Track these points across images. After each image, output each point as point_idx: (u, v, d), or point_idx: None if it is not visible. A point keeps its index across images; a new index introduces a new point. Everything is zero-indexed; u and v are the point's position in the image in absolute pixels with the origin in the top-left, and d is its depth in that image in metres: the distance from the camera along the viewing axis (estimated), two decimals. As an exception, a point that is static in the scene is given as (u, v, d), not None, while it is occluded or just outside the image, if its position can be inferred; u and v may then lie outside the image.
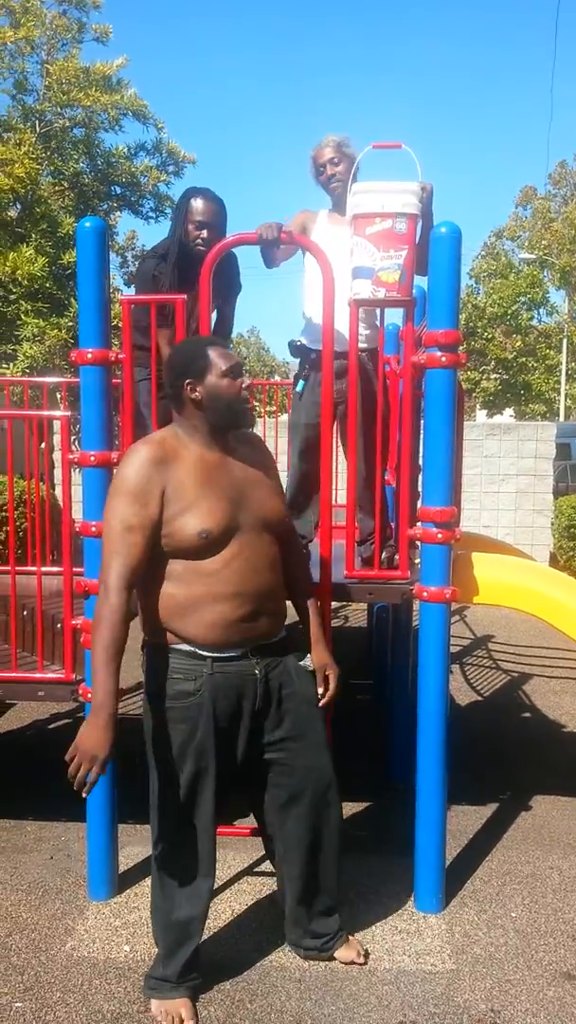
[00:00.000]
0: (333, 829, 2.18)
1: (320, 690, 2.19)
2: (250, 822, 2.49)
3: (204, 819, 2.03)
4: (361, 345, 2.74)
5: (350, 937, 2.31)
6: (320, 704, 2.18)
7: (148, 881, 2.68)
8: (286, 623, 2.15)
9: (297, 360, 3.13)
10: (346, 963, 2.24)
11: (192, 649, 1.97)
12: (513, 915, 2.56)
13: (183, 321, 2.65)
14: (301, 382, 3.03)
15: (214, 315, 3.13)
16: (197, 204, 2.94)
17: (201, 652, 1.96)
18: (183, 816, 2.02)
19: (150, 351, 2.79)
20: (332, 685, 2.21)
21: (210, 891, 2.10)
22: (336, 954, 2.26)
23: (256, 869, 2.76)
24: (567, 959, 2.33)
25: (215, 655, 1.96)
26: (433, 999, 2.14)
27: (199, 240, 2.94)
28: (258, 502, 2.01)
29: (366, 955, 2.28)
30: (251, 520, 1.99)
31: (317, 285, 2.89)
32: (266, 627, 2.03)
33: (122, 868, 2.70)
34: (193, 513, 1.89)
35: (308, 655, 2.19)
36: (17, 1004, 2.11)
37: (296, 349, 3.08)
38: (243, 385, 1.99)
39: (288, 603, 2.19)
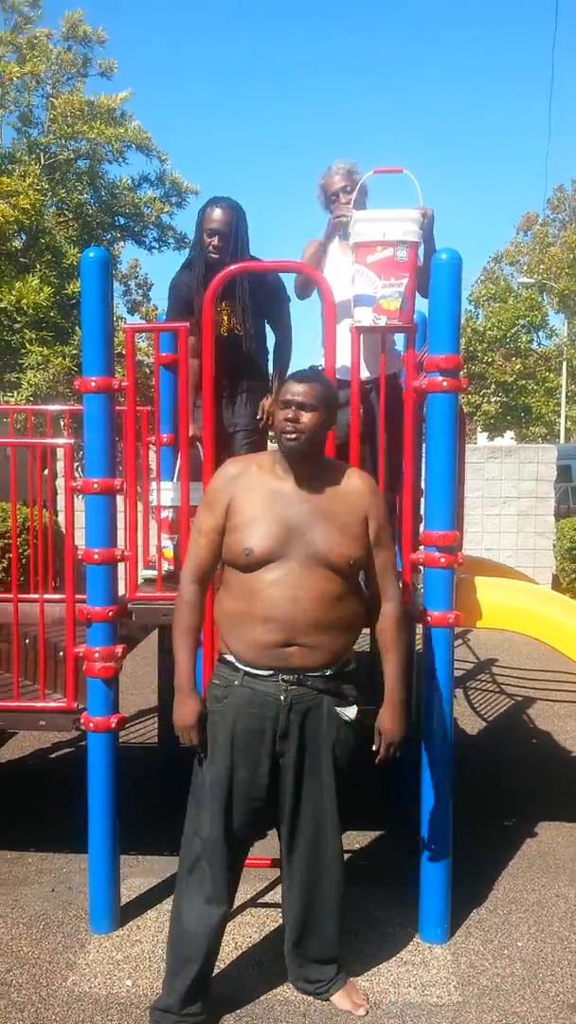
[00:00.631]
0: (332, 881, 2.14)
1: (374, 747, 2.12)
2: (259, 853, 2.46)
3: (213, 835, 2.05)
4: (364, 375, 2.76)
5: (352, 982, 2.25)
6: (376, 761, 2.10)
7: (150, 914, 2.66)
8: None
9: None
10: (343, 1010, 2.17)
11: (232, 659, 2.06)
12: (519, 945, 2.52)
13: (186, 348, 2.68)
14: None
15: (272, 341, 3.22)
16: (209, 212, 3.01)
17: (237, 664, 2.04)
18: (198, 826, 2.08)
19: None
20: (381, 750, 2.11)
21: (220, 919, 2.09)
22: (334, 999, 2.20)
23: (260, 900, 2.72)
24: (575, 990, 2.29)
25: (247, 669, 2.03)
26: (440, 1033, 2.11)
27: (211, 247, 3.00)
28: (318, 537, 1.99)
29: (366, 1003, 2.20)
30: (303, 552, 1.98)
31: (339, 315, 2.92)
32: (300, 659, 2.00)
33: (124, 900, 2.67)
34: (247, 530, 1.99)
35: (354, 705, 2.09)
36: (17, 1040, 2.08)
37: None
38: (287, 417, 2.00)
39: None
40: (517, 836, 3.25)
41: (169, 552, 2.87)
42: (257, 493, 2.03)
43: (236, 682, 2.03)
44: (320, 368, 3.08)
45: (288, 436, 2.00)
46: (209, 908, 2.06)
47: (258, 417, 3.18)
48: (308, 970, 2.21)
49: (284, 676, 2.01)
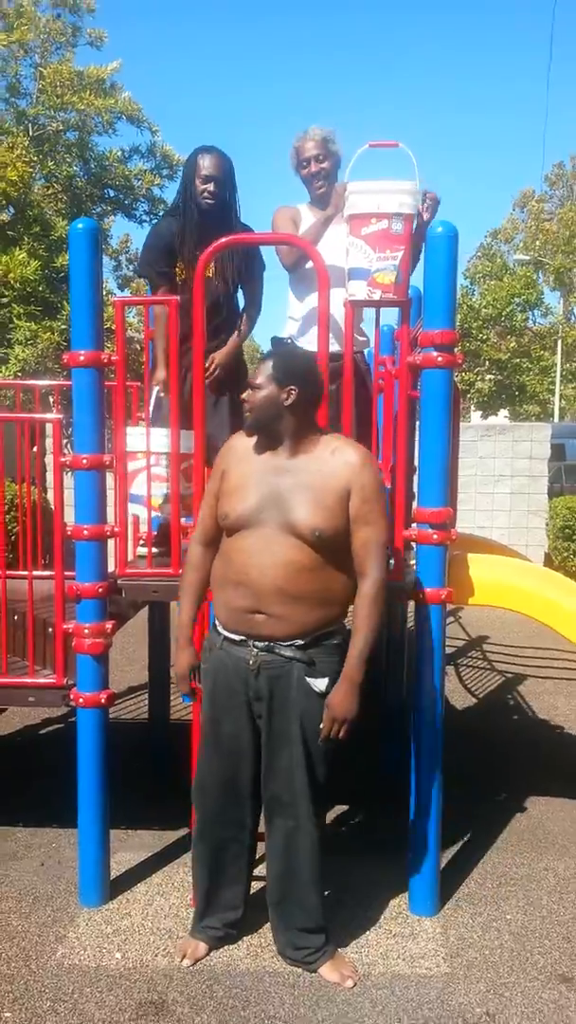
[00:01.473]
0: (305, 854, 2.15)
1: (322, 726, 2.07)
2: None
3: (199, 777, 2.23)
4: (335, 348, 2.71)
5: (339, 953, 2.27)
6: (320, 739, 2.08)
7: (139, 887, 2.67)
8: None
9: None
10: (331, 982, 2.19)
11: (216, 623, 2.19)
12: (508, 917, 2.54)
13: (176, 322, 2.64)
14: None
15: (241, 299, 3.19)
16: (204, 160, 3.00)
17: (218, 628, 2.17)
18: (199, 763, 2.25)
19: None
20: (324, 725, 2.06)
21: (218, 847, 2.24)
22: (321, 971, 2.21)
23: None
24: (562, 962, 2.32)
25: (225, 634, 2.14)
26: (428, 1003, 2.13)
27: (206, 193, 2.98)
28: (292, 507, 2.03)
29: (354, 975, 2.21)
30: (275, 521, 2.04)
31: (308, 284, 2.87)
32: (268, 628, 2.06)
33: (113, 874, 2.67)
34: (229, 496, 2.12)
35: (327, 679, 2.07)
36: (6, 1014, 2.09)
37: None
38: (244, 396, 2.15)
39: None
40: (506, 811, 3.27)
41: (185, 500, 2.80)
42: (248, 463, 2.13)
43: (217, 644, 2.16)
44: (288, 340, 3.04)
45: (245, 414, 2.16)
46: (210, 840, 2.25)
47: (206, 366, 3.11)
48: (295, 937, 2.24)
49: (255, 643, 2.08)
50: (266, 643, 2.07)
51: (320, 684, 2.08)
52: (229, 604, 2.10)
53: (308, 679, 2.08)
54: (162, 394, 3.02)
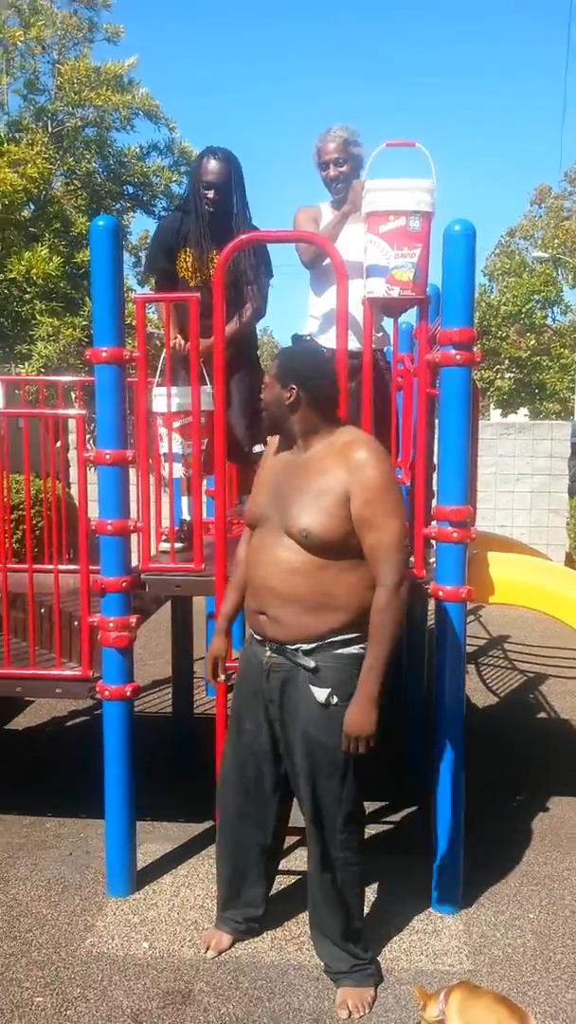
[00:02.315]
0: (326, 869, 2.09)
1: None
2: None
3: (224, 772, 2.26)
4: (354, 346, 2.71)
5: (363, 989, 2.13)
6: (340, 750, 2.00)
7: (166, 878, 2.70)
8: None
9: None
10: (336, 1005, 2.09)
11: None
12: (531, 916, 2.54)
13: (196, 319, 2.65)
14: None
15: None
16: (206, 164, 3.02)
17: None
18: (223, 755, 2.28)
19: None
20: (344, 744, 1.98)
21: (240, 846, 2.25)
22: (339, 990, 2.13)
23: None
24: (586, 960, 2.32)
25: (251, 632, 2.17)
26: (451, 999, 2.13)
27: (207, 201, 3.02)
28: (287, 507, 2.02)
29: (356, 1009, 2.07)
30: (278, 522, 2.04)
31: (326, 281, 2.88)
32: (271, 630, 2.05)
33: (140, 865, 2.71)
34: (251, 497, 2.19)
35: (328, 690, 1.99)
36: (38, 999, 2.12)
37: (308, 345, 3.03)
38: (261, 396, 2.18)
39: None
40: (529, 810, 3.27)
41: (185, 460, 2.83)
42: (271, 463, 2.17)
43: (248, 641, 2.19)
44: (308, 338, 3.04)
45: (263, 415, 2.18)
46: (229, 836, 2.28)
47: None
48: (324, 949, 2.19)
49: (270, 644, 2.08)
50: (277, 645, 2.04)
51: (321, 694, 1.99)
52: (247, 604, 2.15)
53: (311, 687, 2.00)
54: (175, 347, 3.02)
